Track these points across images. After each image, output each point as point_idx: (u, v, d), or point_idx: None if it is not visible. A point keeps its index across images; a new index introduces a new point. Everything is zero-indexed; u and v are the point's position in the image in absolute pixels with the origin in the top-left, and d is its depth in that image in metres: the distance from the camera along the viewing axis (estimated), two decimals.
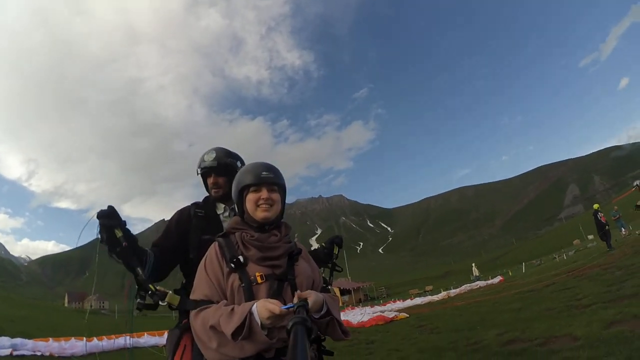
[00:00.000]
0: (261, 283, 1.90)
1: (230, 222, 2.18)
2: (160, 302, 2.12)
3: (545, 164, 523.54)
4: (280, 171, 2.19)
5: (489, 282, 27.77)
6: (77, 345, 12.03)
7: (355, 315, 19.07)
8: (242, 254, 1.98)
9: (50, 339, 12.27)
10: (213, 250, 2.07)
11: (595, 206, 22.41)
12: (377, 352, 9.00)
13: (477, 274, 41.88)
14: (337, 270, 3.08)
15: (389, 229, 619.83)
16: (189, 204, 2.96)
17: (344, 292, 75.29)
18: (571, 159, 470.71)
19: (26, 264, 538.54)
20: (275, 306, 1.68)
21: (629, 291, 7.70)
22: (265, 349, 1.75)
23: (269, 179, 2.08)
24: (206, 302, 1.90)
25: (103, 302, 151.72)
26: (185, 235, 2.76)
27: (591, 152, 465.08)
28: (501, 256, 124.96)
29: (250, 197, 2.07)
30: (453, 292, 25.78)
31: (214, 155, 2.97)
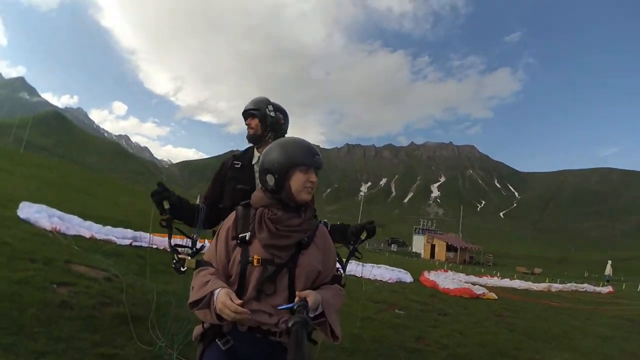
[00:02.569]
0: (256, 266, 1.94)
1: (256, 198, 2.17)
2: (182, 269, 2.47)
3: None
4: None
5: (598, 289, 25.80)
6: (188, 243, 13.39)
7: (445, 280, 18.84)
8: (251, 232, 2.02)
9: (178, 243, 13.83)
10: (230, 219, 2.15)
11: None
12: (441, 327, 8.83)
13: (610, 274, 37.89)
14: (357, 257, 2.90)
15: (516, 193, 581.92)
16: (231, 156, 3.20)
17: (450, 248, 73.70)
18: None
19: (167, 166, 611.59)
20: (231, 303, 1.75)
21: None
22: (241, 323, 1.89)
23: (320, 164, 2.10)
24: (208, 264, 2.06)
25: None
26: (223, 186, 3.04)
27: None
28: (627, 260, 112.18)
29: (299, 177, 2.04)
30: (555, 287, 24.21)
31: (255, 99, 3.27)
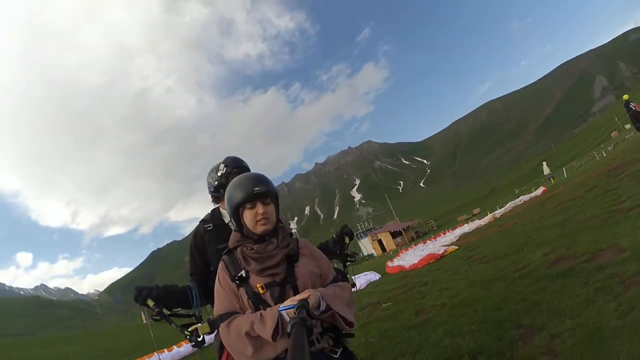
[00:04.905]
0: (263, 292, 2.01)
1: (231, 238, 2.24)
2: (199, 340, 2.38)
3: (567, 60, 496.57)
4: (270, 179, 2.25)
5: (532, 194, 27.15)
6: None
7: (408, 258, 19.06)
8: (244, 269, 2.09)
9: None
10: (220, 268, 2.18)
11: (625, 97, 20.91)
12: (429, 294, 9.00)
13: (549, 172, 39.93)
14: (351, 260, 3.12)
15: (424, 161, 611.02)
16: (198, 223, 3.12)
17: (395, 234, 75.00)
18: (592, 49, 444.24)
19: (96, 297, 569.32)
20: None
21: None
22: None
23: (262, 193, 2.13)
24: (231, 314, 2.02)
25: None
26: (206, 252, 2.95)
27: (611, 38, 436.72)
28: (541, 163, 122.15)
29: (248, 215, 2.13)
30: (498, 212, 25.36)
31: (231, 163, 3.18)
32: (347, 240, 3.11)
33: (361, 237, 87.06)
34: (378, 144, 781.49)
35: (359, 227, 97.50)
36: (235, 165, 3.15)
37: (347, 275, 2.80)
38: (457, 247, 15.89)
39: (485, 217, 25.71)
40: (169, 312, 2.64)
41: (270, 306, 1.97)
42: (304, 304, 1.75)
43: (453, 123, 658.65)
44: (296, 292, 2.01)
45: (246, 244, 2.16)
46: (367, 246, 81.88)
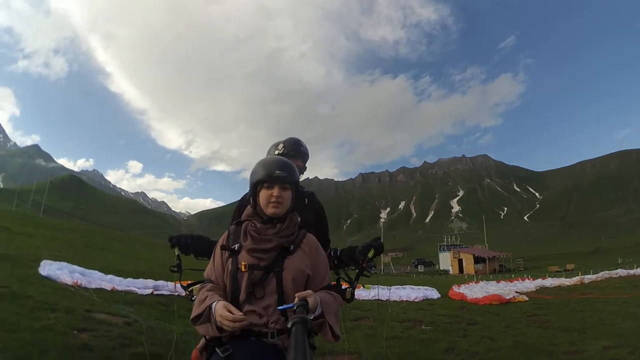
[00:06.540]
0: (244, 272, 2.05)
1: (245, 211, 2.35)
2: (192, 299, 2.44)
3: None
4: (295, 165, 2.33)
5: (632, 272, 24.63)
6: None
7: (475, 289, 18.35)
8: (239, 243, 2.17)
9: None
10: (223, 236, 2.32)
11: None
12: (471, 336, 8.56)
13: None
14: (366, 275, 2.87)
15: (537, 194, 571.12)
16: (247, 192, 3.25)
17: (478, 260, 71.87)
18: None
19: (186, 218, 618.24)
20: (229, 314, 1.86)
21: None
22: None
23: (282, 178, 2.19)
24: (205, 281, 2.21)
25: None
26: None
27: None
28: None
29: (263, 194, 2.20)
30: (588, 278, 23.32)
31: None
32: (371, 253, 2.81)
33: (444, 249, 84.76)
34: (494, 162, 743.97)
35: (446, 239, 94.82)
36: (293, 148, 3.22)
37: (347, 289, 2.67)
38: (527, 299, 14.93)
39: (574, 278, 23.80)
40: (197, 257, 2.98)
41: (242, 287, 2.04)
42: (303, 303, 1.74)
43: (578, 163, 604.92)
44: (279, 282, 2.04)
45: (254, 220, 2.24)
46: (445, 261, 79.62)
